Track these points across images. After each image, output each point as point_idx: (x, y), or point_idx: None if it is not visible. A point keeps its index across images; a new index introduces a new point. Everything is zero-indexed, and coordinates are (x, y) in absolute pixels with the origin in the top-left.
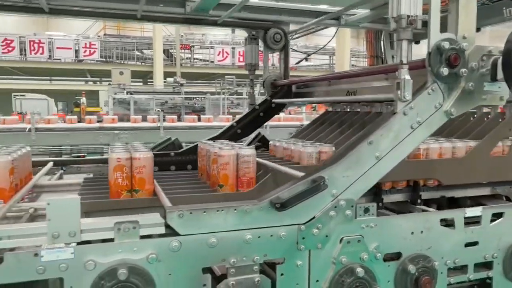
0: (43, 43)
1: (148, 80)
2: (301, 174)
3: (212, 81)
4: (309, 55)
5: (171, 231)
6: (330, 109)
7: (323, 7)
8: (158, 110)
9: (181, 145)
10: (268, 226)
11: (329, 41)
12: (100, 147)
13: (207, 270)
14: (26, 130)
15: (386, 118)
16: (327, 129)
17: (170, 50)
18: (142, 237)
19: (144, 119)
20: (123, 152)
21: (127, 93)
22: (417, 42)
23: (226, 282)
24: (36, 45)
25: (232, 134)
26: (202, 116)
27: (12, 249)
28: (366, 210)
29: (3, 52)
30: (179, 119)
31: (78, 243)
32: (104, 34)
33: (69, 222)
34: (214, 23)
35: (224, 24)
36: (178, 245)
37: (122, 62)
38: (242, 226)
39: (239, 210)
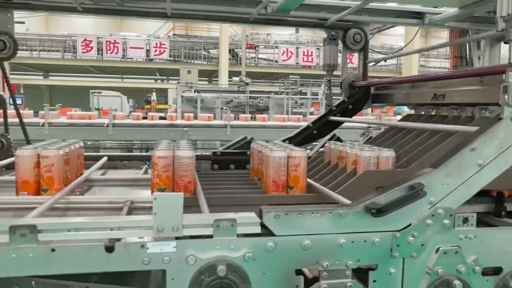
0: (118, 43)
1: (213, 79)
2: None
3: (276, 80)
4: (390, 57)
5: (266, 231)
6: (412, 112)
7: (406, 6)
8: (226, 109)
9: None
10: (362, 231)
11: (410, 41)
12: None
13: (300, 272)
14: (104, 125)
15: (487, 123)
16: (411, 133)
17: (235, 50)
18: (238, 235)
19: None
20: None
21: (194, 92)
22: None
23: (319, 285)
24: (111, 45)
25: (308, 134)
26: (257, 116)
27: (118, 240)
28: (465, 220)
29: (82, 52)
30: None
31: (178, 238)
32: (174, 34)
33: (173, 217)
34: (294, 24)
35: (303, 25)
36: (273, 245)
37: (189, 61)
38: (336, 230)
39: (334, 214)
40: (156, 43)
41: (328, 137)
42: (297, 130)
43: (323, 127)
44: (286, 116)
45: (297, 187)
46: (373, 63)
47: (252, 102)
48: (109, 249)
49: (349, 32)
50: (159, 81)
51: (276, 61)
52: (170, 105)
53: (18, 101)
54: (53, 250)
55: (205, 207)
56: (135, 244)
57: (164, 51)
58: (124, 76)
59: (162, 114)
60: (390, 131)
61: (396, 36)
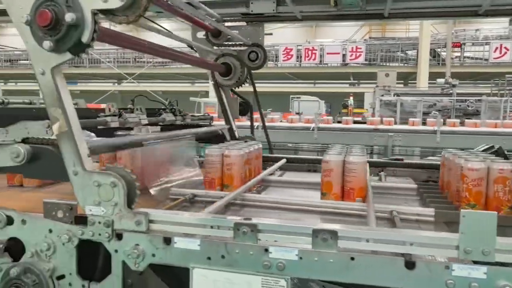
0: (316, 49)
1: (409, 81)
2: None
3: (483, 81)
4: None
5: None
6: None
7: None
8: (435, 113)
9: (505, 154)
10: None
11: None
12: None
13: None
14: (310, 129)
15: None
16: None
17: (437, 50)
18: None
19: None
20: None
21: (394, 95)
22: None
23: None
24: (309, 52)
25: None
26: (466, 121)
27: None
28: None
29: (283, 60)
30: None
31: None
32: (370, 37)
33: (484, 239)
34: None
35: None
36: None
37: (385, 64)
38: None
39: None
40: (352, 48)
41: None
42: None
43: None
44: (499, 121)
45: None
46: None
47: (460, 105)
48: (410, 265)
49: None
50: (355, 85)
51: (486, 59)
52: (367, 109)
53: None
54: (352, 258)
55: (371, 218)
56: (438, 264)
57: (360, 55)
58: (317, 81)
59: (358, 118)
60: None
61: None
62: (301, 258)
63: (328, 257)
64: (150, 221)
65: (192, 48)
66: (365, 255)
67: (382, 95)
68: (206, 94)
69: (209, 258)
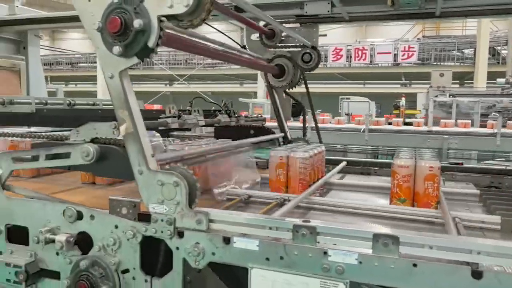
0: (366, 49)
1: (466, 81)
2: None
3: None
4: None
5: None
6: None
7: None
8: (495, 114)
9: None
10: None
11: None
12: None
13: None
14: (361, 131)
15: None
16: None
17: (496, 48)
18: None
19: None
20: None
21: (449, 96)
22: None
23: None
24: (360, 52)
25: None
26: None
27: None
28: None
29: (332, 60)
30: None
31: None
32: (423, 36)
33: None
34: None
35: None
36: None
37: (439, 63)
38: None
39: None
40: (404, 47)
41: None
42: None
43: None
44: None
45: None
46: None
47: None
48: (477, 274)
49: None
50: (407, 85)
51: None
52: (419, 110)
53: None
54: (414, 265)
55: (449, 225)
56: (509, 275)
57: (412, 54)
58: (367, 82)
59: (408, 120)
60: None
61: None
62: (360, 262)
63: (389, 263)
64: (210, 221)
65: (246, 49)
66: (428, 262)
67: (436, 96)
68: (254, 95)
69: (267, 259)
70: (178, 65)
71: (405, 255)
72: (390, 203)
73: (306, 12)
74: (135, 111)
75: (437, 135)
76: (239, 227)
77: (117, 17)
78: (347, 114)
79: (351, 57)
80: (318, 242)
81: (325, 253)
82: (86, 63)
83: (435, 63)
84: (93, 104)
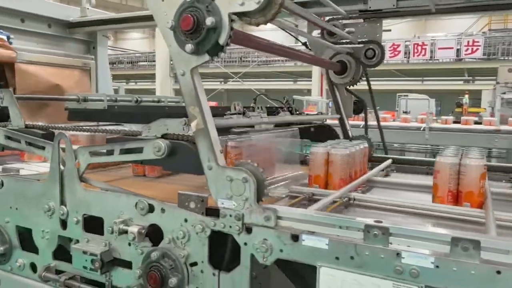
0: (426, 45)
1: None
2: None
3: None
4: None
5: None
6: None
7: None
8: None
9: None
10: None
11: None
12: None
13: None
14: (421, 129)
15: None
16: None
17: None
18: None
19: None
20: None
21: None
22: None
23: None
24: (419, 48)
25: None
26: None
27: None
28: None
29: (390, 56)
30: None
31: None
32: (489, 30)
33: None
34: None
35: None
36: None
37: (507, 58)
38: None
39: None
40: (468, 41)
41: None
42: None
43: None
44: None
45: None
46: None
47: None
48: None
49: None
50: (470, 81)
51: None
52: (485, 108)
53: None
54: (498, 272)
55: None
56: None
57: (477, 49)
58: (425, 78)
59: (476, 119)
60: None
61: None
62: (437, 266)
63: (469, 268)
64: (278, 217)
65: (306, 46)
66: None
67: (504, 93)
68: (308, 92)
69: (337, 258)
70: (233, 62)
71: (485, 261)
72: (432, 201)
73: (370, 7)
74: (206, 107)
75: (507, 135)
76: (307, 224)
77: (189, 15)
78: (405, 112)
79: (409, 53)
80: (391, 243)
81: (398, 254)
82: (146, 61)
83: (502, 58)
84: (158, 101)
